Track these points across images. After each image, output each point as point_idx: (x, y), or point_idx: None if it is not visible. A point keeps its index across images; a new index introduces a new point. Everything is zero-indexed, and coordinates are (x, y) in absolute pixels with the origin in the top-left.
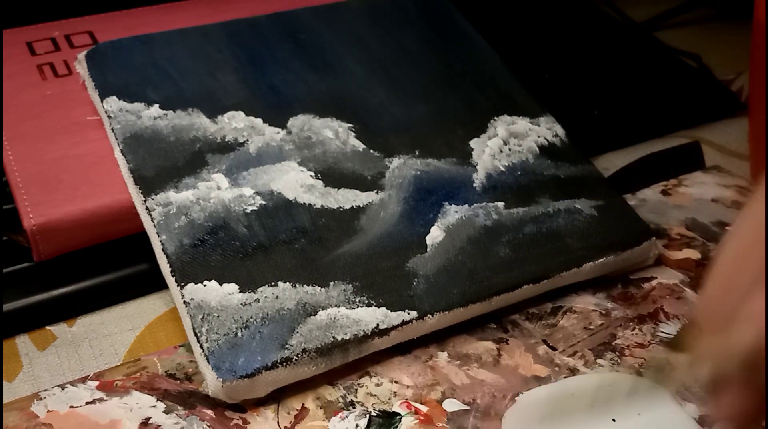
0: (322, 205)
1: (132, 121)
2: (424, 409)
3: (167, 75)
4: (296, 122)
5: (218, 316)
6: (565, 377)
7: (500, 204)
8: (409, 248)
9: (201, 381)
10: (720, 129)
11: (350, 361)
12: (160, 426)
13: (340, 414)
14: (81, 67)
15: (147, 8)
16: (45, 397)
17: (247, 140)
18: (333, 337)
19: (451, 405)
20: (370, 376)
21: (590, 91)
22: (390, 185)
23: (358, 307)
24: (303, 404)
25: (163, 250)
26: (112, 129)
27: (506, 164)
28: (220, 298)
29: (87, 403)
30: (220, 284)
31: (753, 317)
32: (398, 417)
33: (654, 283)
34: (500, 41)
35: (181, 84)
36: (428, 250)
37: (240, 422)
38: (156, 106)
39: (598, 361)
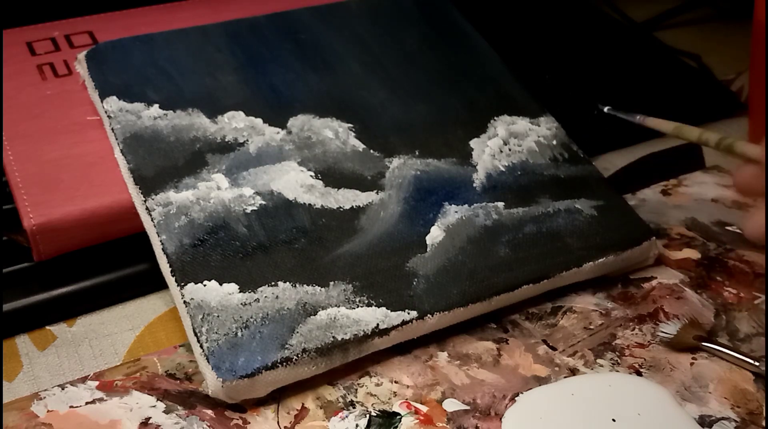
0: (322, 205)
1: (132, 121)
2: (424, 409)
3: (167, 75)
4: (296, 122)
5: (218, 316)
6: (565, 377)
7: (500, 204)
8: (409, 248)
9: (201, 381)
10: (720, 129)
11: (350, 361)
12: (160, 426)
13: (340, 414)
14: (81, 67)
15: (147, 8)
16: (45, 397)
17: (247, 140)
18: (333, 337)
19: (451, 405)
20: (370, 376)
21: (590, 91)
22: (390, 185)
23: (358, 307)
24: (303, 404)
25: (163, 250)
26: (112, 129)
27: (506, 164)
28: (220, 298)
29: (87, 403)
30: (220, 284)
31: None
32: (398, 417)
33: (654, 283)
34: (500, 41)
35: (181, 84)
36: (428, 250)
37: (240, 422)
38: (156, 106)
39: (598, 361)
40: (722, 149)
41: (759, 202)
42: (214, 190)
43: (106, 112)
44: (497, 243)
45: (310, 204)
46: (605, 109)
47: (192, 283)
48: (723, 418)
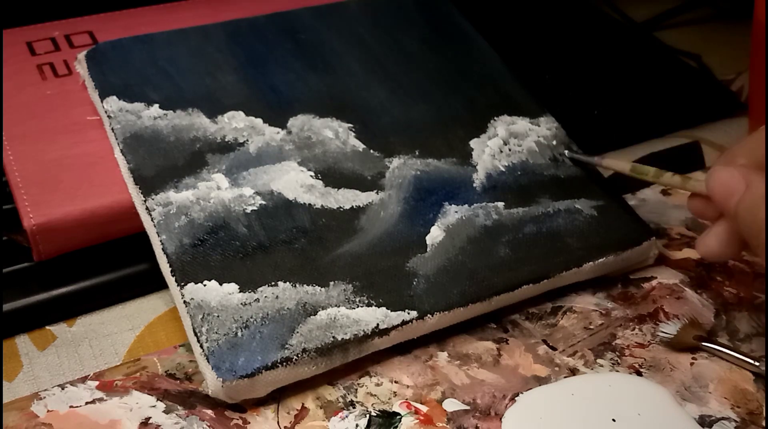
0: (322, 205)
1: (132, 121)
2: (424, 409)
3: (167, 75)
4: (296, 122)
5: (218, 316)
6: (565, 377)
7: (500, 204)
8: (409, 248)
9: (201, 381)
10: (720, 129)
11: (350, 361)
12: (160, 426)
13: (340, 414)
14: (81, 67)
15: (147, 8)
16: (45, 397)
17: (247, 140)
18: (333, 337)
19: (451, 405)
20: (370, 376)
21: (590, 91)
22: (390, 185)
23: (358, 307)
24: (303, 404)
25: (163, 250)
26: (112, 129)
27: (506, 164)
28: (220, 298)
29: (87, 403)
30: (220, 284)
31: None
32: (398, 417)
33: (654, 283)
34: (500, 41)
35: (181, 84)
36: (428, 250)
37: (240, 422)
38: (156, 106)
39: (598, 361)
40: (674, 186)
41: (711, 226)
42: (214, 190)
43: (106, 112)
44: (497, 243)
45: (310, 204)
46: (566, 153)
47: (192, 283)
48: (723, 418)
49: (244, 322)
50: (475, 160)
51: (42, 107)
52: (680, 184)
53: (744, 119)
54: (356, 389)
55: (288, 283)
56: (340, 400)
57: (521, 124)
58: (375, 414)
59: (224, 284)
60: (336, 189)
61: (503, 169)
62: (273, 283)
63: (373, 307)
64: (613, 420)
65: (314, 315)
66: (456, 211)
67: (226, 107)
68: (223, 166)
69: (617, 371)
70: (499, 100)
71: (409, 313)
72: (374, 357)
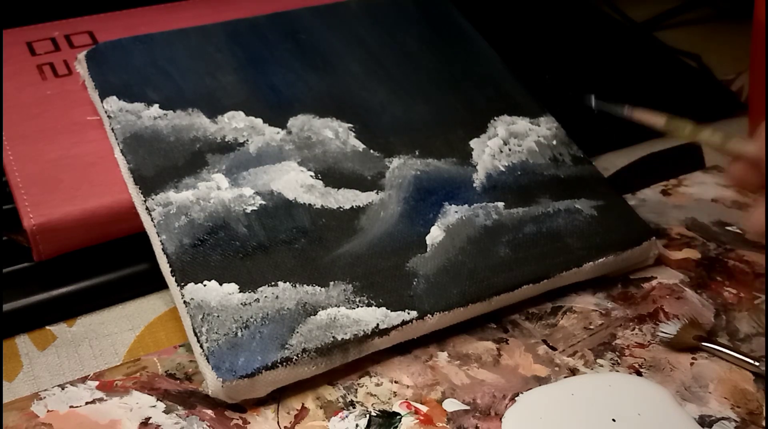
0: (322, 205)
1: (132, 121)
2: (424, 409)
3: (167, 75)
4: (296, 122)
5: (218, 316)
6: (565, 377)
7: (500, 204)
8: (409, 248)
9: (201, 381)
10: (720, 129)
11: (350, 361)
12: (160, 426)
13: (340, 414)
14: (81, 67)
15: (147, 8)
16: (45, 397)
17: (247, 140)
18: (333, 337)
19: (451, 405)
20: (370, 376)
21: (590, 91)
22: (390, 185)
23: (358, 307)
24: (303, 404)
25: (163, 250)
26: (112, 129)
27: (506, 164)
28: (220, 298)
29: (87, 403)
30: (220, 284)
31: None
32: (398, 417)
33: (654, 283)
34: (500, 41)
35: (181, 84)
36: (428, 250)
37: (240, 422)
38: (156, 106)
39: (598, 361)
40: (713, 145)
41: (757, 199)
42: (214, 190)
43: (106, 112)
44: (497, 243)
45: (310, 204)
46: (592, 103)
47: (192, 283)
48: (723, 418)
49: (244, 322)
50: (475, 160)
51: (42, 107)
52: (720, 144)
53: (744, 119)
54: (356, 389)
55: (288, 283)
56: (340, 400)
57: (521, 124)
58: (375, 414)
59: (224, 284)
60: (336, 189)
61: (503, 169)
62: (273, 283)
63: (373, 307)
64: (613, 420)
65: (314, 315)
66: (456, 211)
67: (226, 107)
68: (223, 166)
69: (617, 371)
70: (499, 100)
71: (409, 313)
72: (374, 357)
